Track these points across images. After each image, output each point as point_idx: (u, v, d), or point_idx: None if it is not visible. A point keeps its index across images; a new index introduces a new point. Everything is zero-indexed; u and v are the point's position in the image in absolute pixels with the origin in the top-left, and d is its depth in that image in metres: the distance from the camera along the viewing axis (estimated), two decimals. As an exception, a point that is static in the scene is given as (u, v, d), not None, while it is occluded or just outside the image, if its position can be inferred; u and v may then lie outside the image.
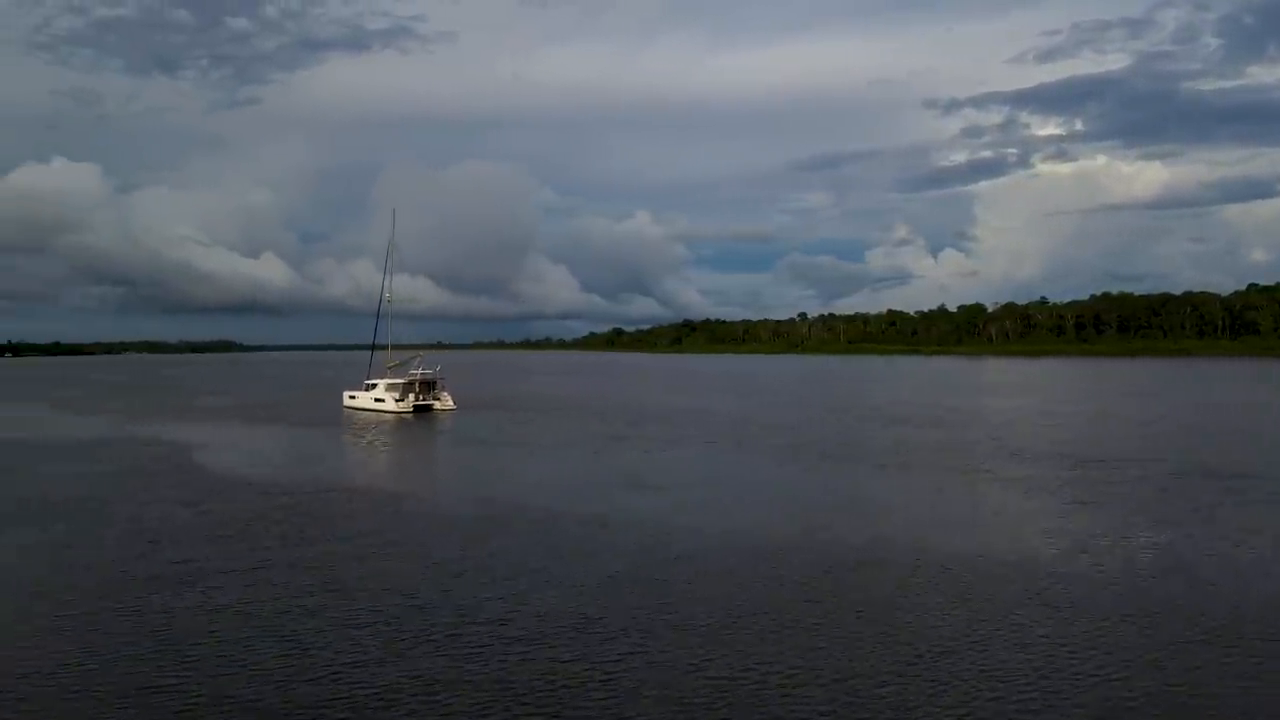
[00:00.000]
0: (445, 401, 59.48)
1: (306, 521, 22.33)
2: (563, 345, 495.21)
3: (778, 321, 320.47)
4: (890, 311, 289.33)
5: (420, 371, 60.46)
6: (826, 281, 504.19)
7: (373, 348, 63.59)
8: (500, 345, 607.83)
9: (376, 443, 42.53)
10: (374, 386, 59.55)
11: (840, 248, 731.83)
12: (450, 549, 19.39)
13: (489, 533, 21.04)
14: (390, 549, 19.36)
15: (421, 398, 58.37)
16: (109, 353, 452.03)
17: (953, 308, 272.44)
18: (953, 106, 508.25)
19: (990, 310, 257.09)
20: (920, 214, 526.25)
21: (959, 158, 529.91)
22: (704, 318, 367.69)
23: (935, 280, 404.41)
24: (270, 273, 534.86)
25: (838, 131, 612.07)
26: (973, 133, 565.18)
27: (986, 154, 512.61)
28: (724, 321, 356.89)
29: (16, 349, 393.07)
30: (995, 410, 56.59)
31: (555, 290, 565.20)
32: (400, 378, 59.36)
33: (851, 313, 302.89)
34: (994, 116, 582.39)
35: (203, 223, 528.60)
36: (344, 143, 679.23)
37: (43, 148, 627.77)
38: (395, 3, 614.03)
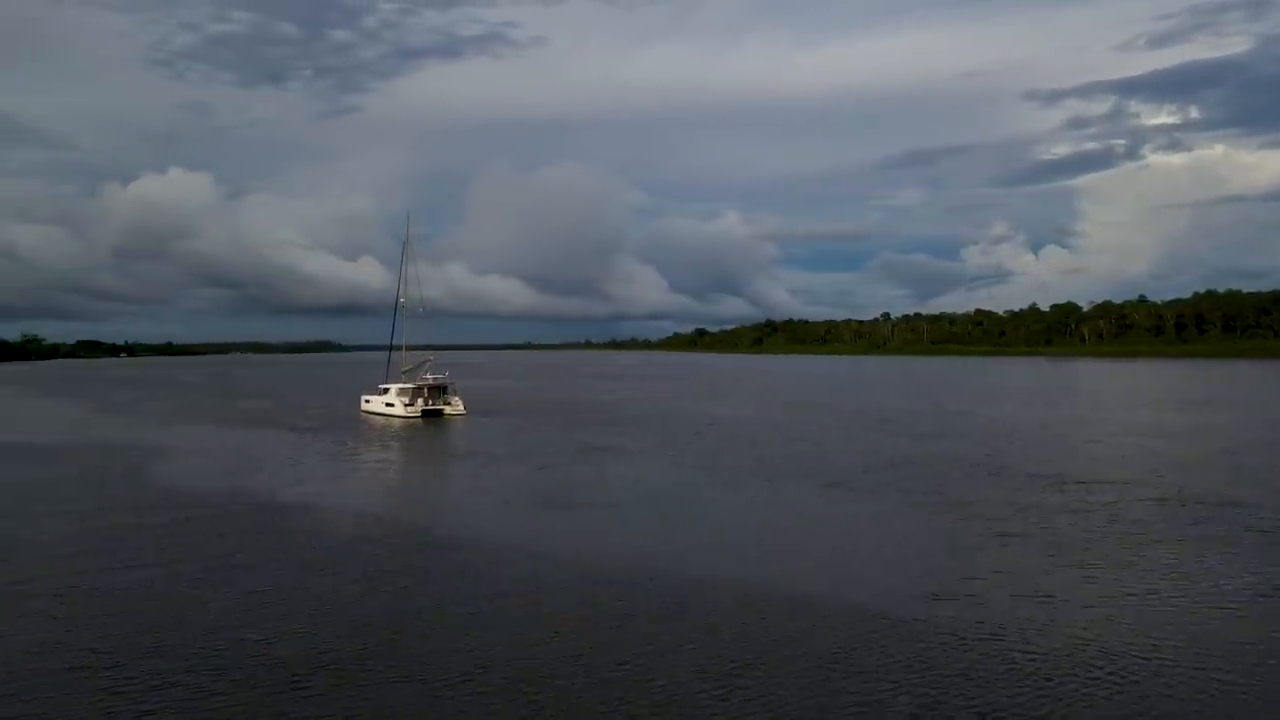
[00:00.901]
0: (456, 406, 58.54)
1: (186, 536, 21.04)
2: (648, 346, 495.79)
3: (860, 322, 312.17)
4: (978, 311, 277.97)
5: (431, 377, 59.72)
6: (920, 280, 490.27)
7: (389, 349, 63.17)
8: (587, 345, 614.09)
9: (362, 449, 41.33)
10: (386, 391, 59.03)
11: (934, 245, 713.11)
12: (340, 582, 17.68)
13: (387, 567, 19.27)
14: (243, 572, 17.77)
15: (431, 402, 57.59)
16: (217, 352, 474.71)
17: (1054, 306, 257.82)
18: (1055, 97, 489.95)
19: (1085, 310, 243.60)
20: (1020, 209, 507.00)
21: (1062, 150, 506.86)
22: (793, 318, 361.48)
23: (1036, 278, 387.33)
24: (368, 275, 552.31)
25: (932, 126, 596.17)
26: (1077, 124, 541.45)
27: (1092, 146, 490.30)
28: (807, 322, 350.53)
29: (132, 349, 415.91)
30: (1035, 421, 52.02)
31: (644, 291, 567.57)
32: (411, 382, 58.64)
33: (947, 312, 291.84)
34: (1100, 106, 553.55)
35: (305, 228, 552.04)
36: (439, 148, 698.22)
37: (161, 159, 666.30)
38: (487, 9, 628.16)
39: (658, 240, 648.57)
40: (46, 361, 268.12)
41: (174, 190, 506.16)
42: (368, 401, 61.03)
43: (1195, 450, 37.18)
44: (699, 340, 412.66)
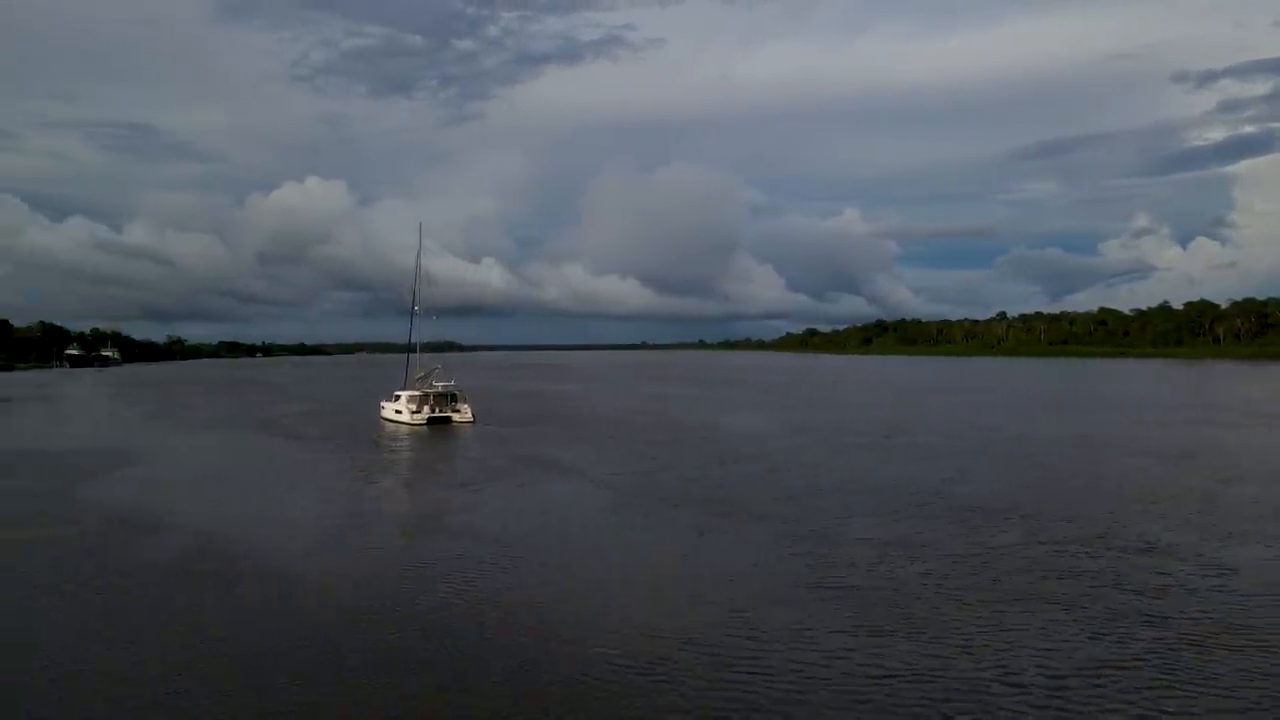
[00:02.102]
0: (464, 414, 58.14)
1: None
2: (761, 346, 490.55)
3: (974, 322, 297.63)
4: (1102, 310, 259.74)
5: (440, 385, 59.59)
6: (1053, 277, 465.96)
7: (407, 356, 63.46)
8: (701, 345, 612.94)
9: (337, 461, 40.87)
10: (398, 398, 59.24)
11: (1069, 240, 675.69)
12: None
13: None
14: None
15: (438, 410, 57.39)
16: (344, 352, 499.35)
17: (1187, 304, 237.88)
18: (1207, 79, 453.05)
19: (1223, 307, 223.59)
20: (1166, 200, 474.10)
21: (1215, 135, 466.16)
22: (913, 317, 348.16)
23: (1184, 273, 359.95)
24: (490, 277, 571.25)
25: (1067, 114, 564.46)
26: (1232, 106, 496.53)
27: (1249, 129, 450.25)
28: (919, 321, 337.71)
29: (268, 349, 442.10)
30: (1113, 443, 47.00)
31: (761, 290, 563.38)
32: (419, 389, 58.64)
33: (1081, 310, 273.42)
34: (1259, 87, 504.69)
35: (431, 231, 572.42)
36: (558, 151, 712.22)
37: (300, 168, 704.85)
38: (606, 13, 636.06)
39: (775, 239, 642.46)
40: (185, 361, 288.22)
41: (311, 198, 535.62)
42: (384, 408, 61.46)
43: None
44: (809, 340, 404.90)
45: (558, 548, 22.62)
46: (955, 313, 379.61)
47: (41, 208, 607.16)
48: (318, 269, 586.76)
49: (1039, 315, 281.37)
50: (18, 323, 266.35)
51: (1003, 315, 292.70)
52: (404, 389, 60.33)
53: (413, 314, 63.18)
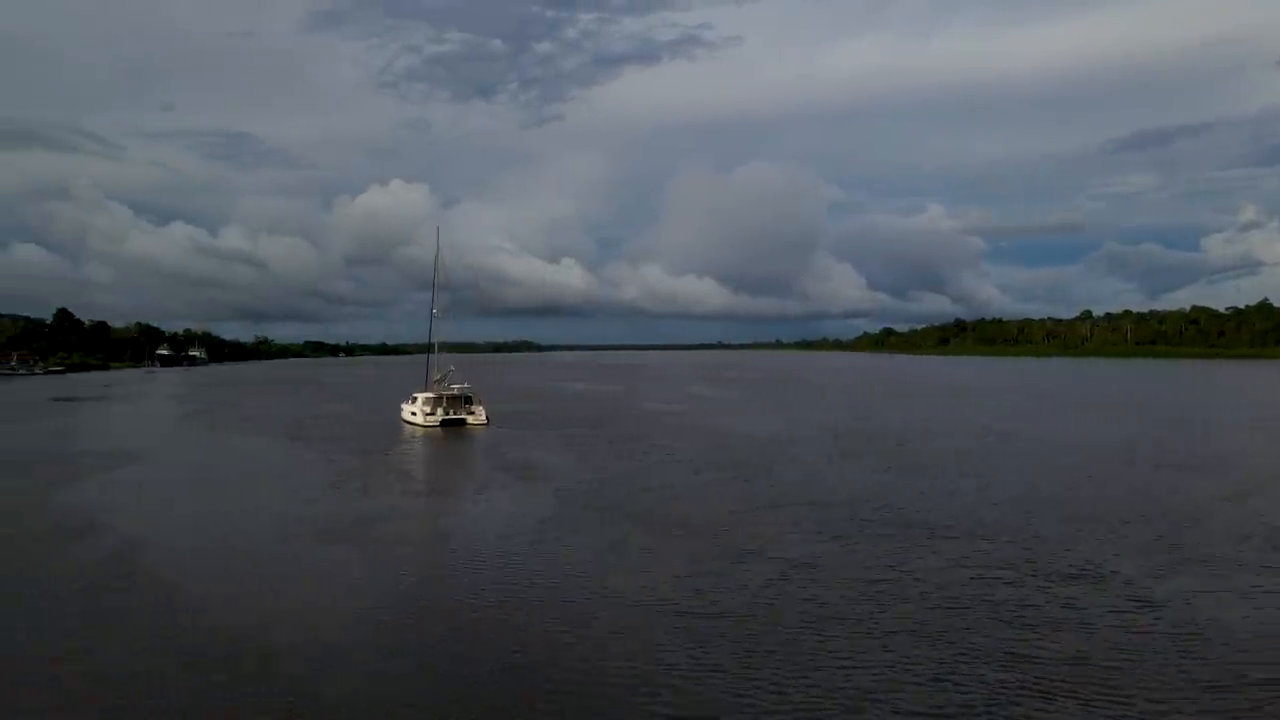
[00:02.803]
0: (478, 416, 58.21)
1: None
2: (839, 346, 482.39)
3: (1056, 321, 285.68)
4: (1194, 308, 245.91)
5: (457, 387, 59.86)
6: (1151, 273, 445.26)
7: (428, 359, 63.92)
8: (777, 345, 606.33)
9: (340, 463, 41.09)
10: (415, 400, 59.68)
11: (1167, 235, 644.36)
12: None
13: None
14: None
15: (452, 412, 57.55)
16: (424, 352, 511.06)
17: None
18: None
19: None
20: (1275, 191, 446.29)
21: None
22: (1003, 315, 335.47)
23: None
24: (569, 277, 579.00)
25: (1165, 103, 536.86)
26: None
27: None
28: (1000, 321, 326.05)
29: (350, 349, 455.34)
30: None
31: (841, 289, 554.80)
32: (435, 391, 58.95)
33: (1187, 307, 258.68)
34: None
35: (511, 232, 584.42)
36: (637, 151, 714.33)
37: (385, 172, 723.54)
38: (683, 13, 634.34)
39: (855, 237, 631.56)
40: (270, 360, 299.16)
41: (395, 201, 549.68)
42: (403, 410, 62.03)
43: None
44: (885, 341, 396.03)
45: (462, 561, 21.97)
46: (1044, 311, 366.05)
47: (145, 214, 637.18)
48: (400, 270, 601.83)
49: (1126, 314, 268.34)
50: (121, 323, 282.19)
51: (1087, 314, 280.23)
52: (423, 390, 60.77)
53: (431, 316, 63.59)
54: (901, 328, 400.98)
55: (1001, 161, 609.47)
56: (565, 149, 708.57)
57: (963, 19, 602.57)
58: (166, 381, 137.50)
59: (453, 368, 62.13)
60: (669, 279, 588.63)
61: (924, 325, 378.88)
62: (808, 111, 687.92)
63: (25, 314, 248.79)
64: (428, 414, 57.11)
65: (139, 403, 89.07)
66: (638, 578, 19.92)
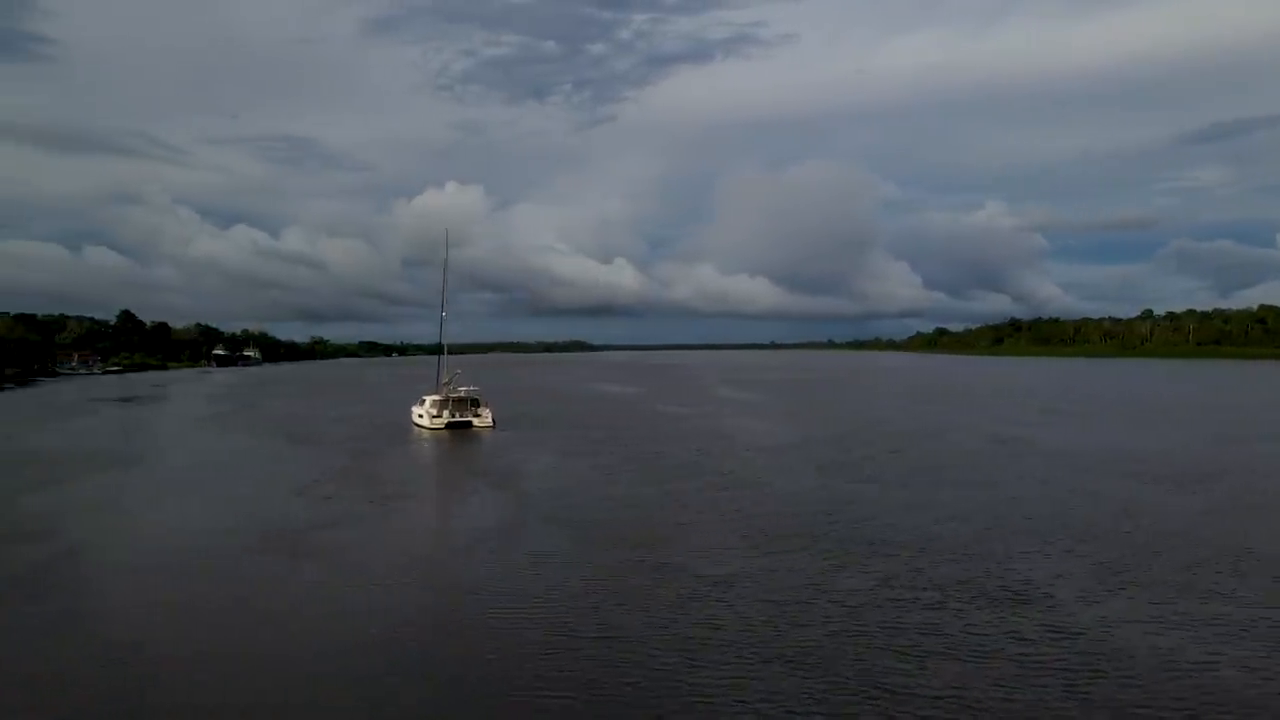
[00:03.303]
0: (484, 419, 58.35)
1: None
2: (891, 346, 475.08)
3: (1115, 320, 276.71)
4: (1262, 307, 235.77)
5: (464, 389, 60.13)
6: (1223, 271, 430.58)
7: (439, 362, 64.28)
8: (829, 345, 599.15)
9: (328, 466, 41.43)
10: (424, 402, 60.03)
11: (1242, 231, 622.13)
12: None
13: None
14: None
15: (457, 415, 57.75)
16: (477, 352, 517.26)
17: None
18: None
19: None
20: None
21: None
22: (1066, 314, 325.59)
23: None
24: (621, 277, 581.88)
25: (1241, 94, 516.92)
26: None
27: None
28: (1056, 320, 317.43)
29: (404, 349, 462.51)
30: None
31: (896, 288, 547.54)
32: (442, 394, 59.23)
33: (1255, 306, 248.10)
34: None
35: (563, 233, 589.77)
36: (690, 151, 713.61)
37: (440, 174, 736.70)
38: (737, 11, 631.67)
39: (911, 235, 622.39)
40: (323, 360, 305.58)
41: (451, 202, 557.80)
42: (412, 412, 62.47)
43: None
44: (938, 341, 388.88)
45: (374, 573, 21.73)
46: (1111, 311, 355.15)
47: (211, 217, 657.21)
48: (456, 271, 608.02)
49: (1190, 313, 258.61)
50: (185, 324, 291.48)
51: (1148, 313, 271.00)
52: (433, 392, 61.11)
53: (441, 319, 63.92)
54: (956, 327, 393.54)
55: (1064, 157, 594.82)
56: (618, 149, 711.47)
57: (1023, 11, 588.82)
58: (212, 382, 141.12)
59: (459, 370, 62.37)
60: (721, 278, 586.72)
61: (980, 325, 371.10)
62: (863, 108, 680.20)
63: (97, 315, 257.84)
64: (434, 416, 57.43)
65: (171, 404, 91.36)
66: (539, 596, 19.42)
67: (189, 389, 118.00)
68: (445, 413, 57.61)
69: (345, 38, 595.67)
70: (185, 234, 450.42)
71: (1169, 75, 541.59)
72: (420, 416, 58.99)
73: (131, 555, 23.76)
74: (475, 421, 58.02)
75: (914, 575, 20.45)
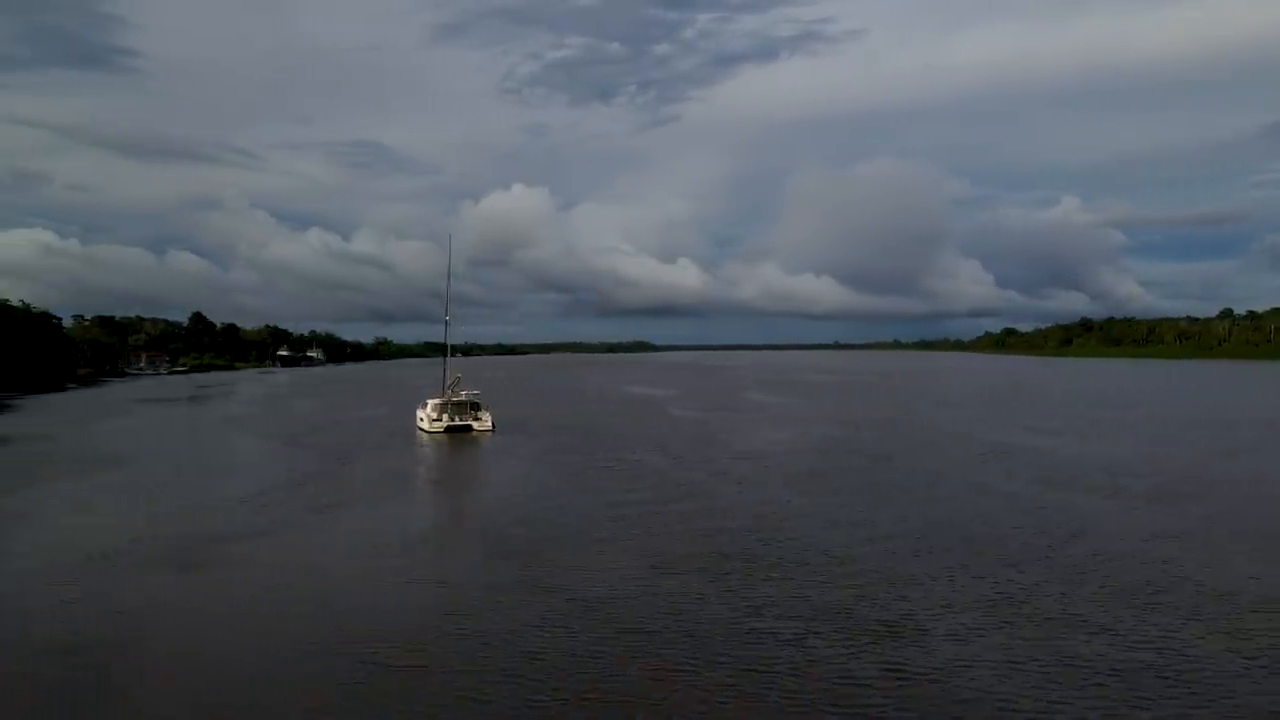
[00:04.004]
0: (484, 423, 58.42)
1: None
2: (959, 346, 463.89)
3: (1192, 320, 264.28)
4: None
5: (465, 393, 60.29)
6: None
7: (445, 365, 64.59)
8: (895, 345, 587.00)
9: (308, 470, 41.90)
10: (426, 405, 60.38)
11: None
12: None
13: None
14: None
15: (457, 419, 57.93)
16: (539, 352, 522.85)
17: None
18: None
19: None
20: None
21: None
22: (1147, 313, 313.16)
23: None
24: (685, 277, 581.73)
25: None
26: None
27: None
28: (1129, 320, 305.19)
29: (468, 350, 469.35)
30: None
31: (967, 286, 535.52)
32: (443, 398, 59.47)
33: None
34: None
35: (627, 233, 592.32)
36: (754, 150, 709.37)
37: (506, 176, 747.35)
38: (803, 8, 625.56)
39: (983, 232, 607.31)
40: (385, 360, 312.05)
41: (516, 204, 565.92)
42: (416, 415, 62.92)
43: None
44: (1005, 341, 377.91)
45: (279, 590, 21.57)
46: (1196, 309, 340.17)
47: (285, 221, 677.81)
48: (522, 272, 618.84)
49: (1274, 312, 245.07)
50: (259, 324, 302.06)
51: (1228, 313, 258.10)
52: (436, 396, 61.42)
53: (446, 323, 64.21)
54: (1026, 327, 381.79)
55: (1144, 150, 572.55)
56: (682, 149, 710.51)
57: (1098, 2, 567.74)
58: (263, 382, 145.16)
59: (460, 375, 62.50)
60: (786, 278, 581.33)
61: (1053, 324, 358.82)
62: (932, 104, 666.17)
63: (178, 316, 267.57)
64: (433, 420, 57.75)
65: (207, 405, 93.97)
66: (418, 613, 18.97)
67: (235, 390, 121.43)
68: (445, 417, 57.84)
69: (414, 44, 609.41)
70: (261, 237, 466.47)
71: (1258, 64, 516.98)
72: (422, 420, 59.34)
73: (29, 559, 24.11)
74: (475, 426, 58.11)
75: (794, 603, 19.34)
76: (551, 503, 32.15)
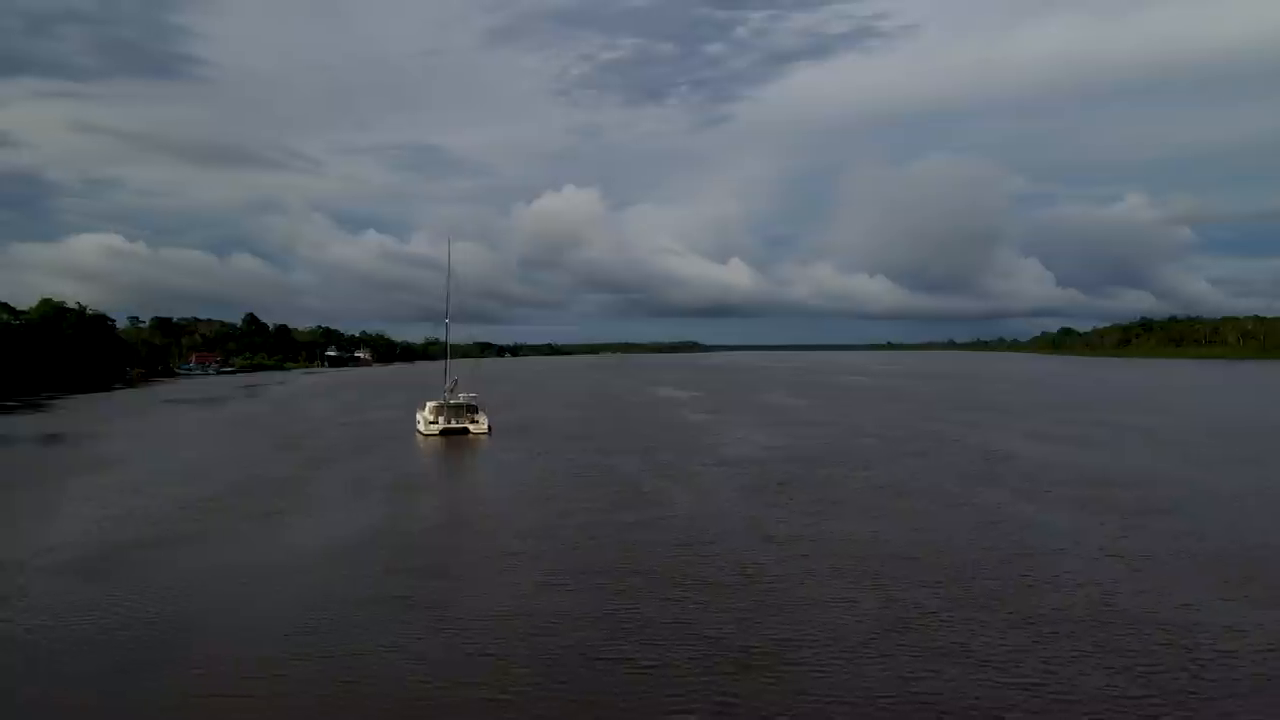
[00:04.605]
0: (480, 425, 58.45)
1: None
2: (1015, 346, 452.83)
3: (1259, 319, 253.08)
4: None
5: (464, 396, 60.44)
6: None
7: (446, 370, 64.79)
8: (950, 346, 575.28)
9: (269, 477, 42.34)
10: (424, 408, 60.62)
11: None
12: None
13: None
14: None
15: (453, 422, 58.05)
16: (588, 353, 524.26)
17: None
18: None
19: None
20: None
21: None
22: (1216, 312, 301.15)
23: None
24: (736, 277, 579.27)
25: None
26: None
27: None
28: (1192, 320, 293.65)
29: (516, 350, 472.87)
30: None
31: (1026, 285, 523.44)
32: (443, 400, 59.68)
33: None
34: None
35: (679, 233, 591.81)
36: (808, 148, 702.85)
37: (558, 178, 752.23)
38: (857, 4, 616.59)
39: (1044, 230, 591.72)
40: (433, 361, 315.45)
41: (568, 205, 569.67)
42: (416, 418, 63.21)
43: None
44: (1062, 342, 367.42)
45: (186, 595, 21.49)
46: (1267, 308, 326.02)
47: (343, 224, 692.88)
48: (573, 272, 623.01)
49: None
50: (316, 325, 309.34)
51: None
52: (437, 398, 61.63)
53: (446, 325, 64.36)
54: (1086, 327, 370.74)
55: (1214, 144, 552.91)
56: (735, 149, 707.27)
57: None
58: (301, 383, 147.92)
59: (457, 379, 62.62)
60: (840, 277, 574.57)
61: (1119, 323, 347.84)
62: (990, 99, 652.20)
63: (235, 318, 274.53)
64: (430, 423, 58.00)
65: (226, 406, 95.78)
66: (266, 634, 18.68)
67: (267, 391, 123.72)
68: (441, 419, 57.97)
69: (469, 48, 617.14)
70: (320, 240, 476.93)
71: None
72: (419, 423, 59.57)
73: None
74: (471, 429, 58.13)
75: (669, 627, 18.54)
76: (502, 511, 31.84)
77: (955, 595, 20.42)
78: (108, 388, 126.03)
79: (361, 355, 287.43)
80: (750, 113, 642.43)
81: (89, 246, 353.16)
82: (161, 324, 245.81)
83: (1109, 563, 23.32)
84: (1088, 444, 49.62)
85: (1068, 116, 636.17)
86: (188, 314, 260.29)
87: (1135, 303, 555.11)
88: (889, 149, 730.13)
